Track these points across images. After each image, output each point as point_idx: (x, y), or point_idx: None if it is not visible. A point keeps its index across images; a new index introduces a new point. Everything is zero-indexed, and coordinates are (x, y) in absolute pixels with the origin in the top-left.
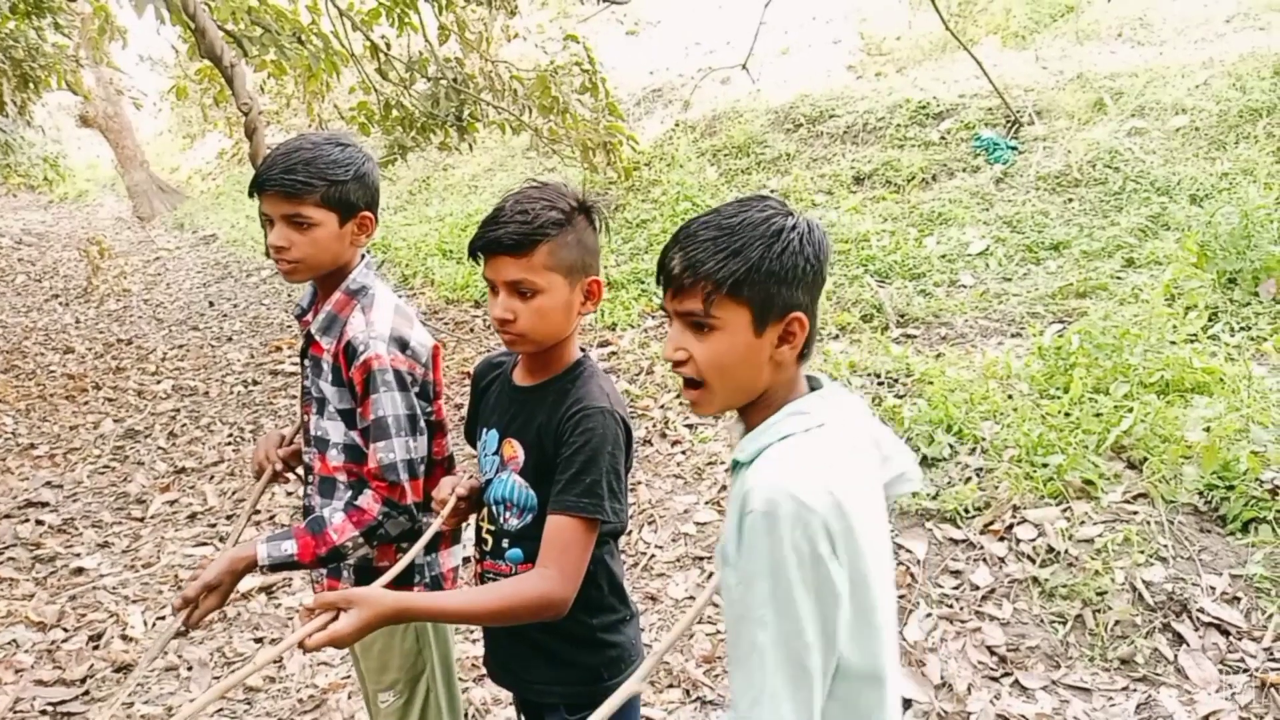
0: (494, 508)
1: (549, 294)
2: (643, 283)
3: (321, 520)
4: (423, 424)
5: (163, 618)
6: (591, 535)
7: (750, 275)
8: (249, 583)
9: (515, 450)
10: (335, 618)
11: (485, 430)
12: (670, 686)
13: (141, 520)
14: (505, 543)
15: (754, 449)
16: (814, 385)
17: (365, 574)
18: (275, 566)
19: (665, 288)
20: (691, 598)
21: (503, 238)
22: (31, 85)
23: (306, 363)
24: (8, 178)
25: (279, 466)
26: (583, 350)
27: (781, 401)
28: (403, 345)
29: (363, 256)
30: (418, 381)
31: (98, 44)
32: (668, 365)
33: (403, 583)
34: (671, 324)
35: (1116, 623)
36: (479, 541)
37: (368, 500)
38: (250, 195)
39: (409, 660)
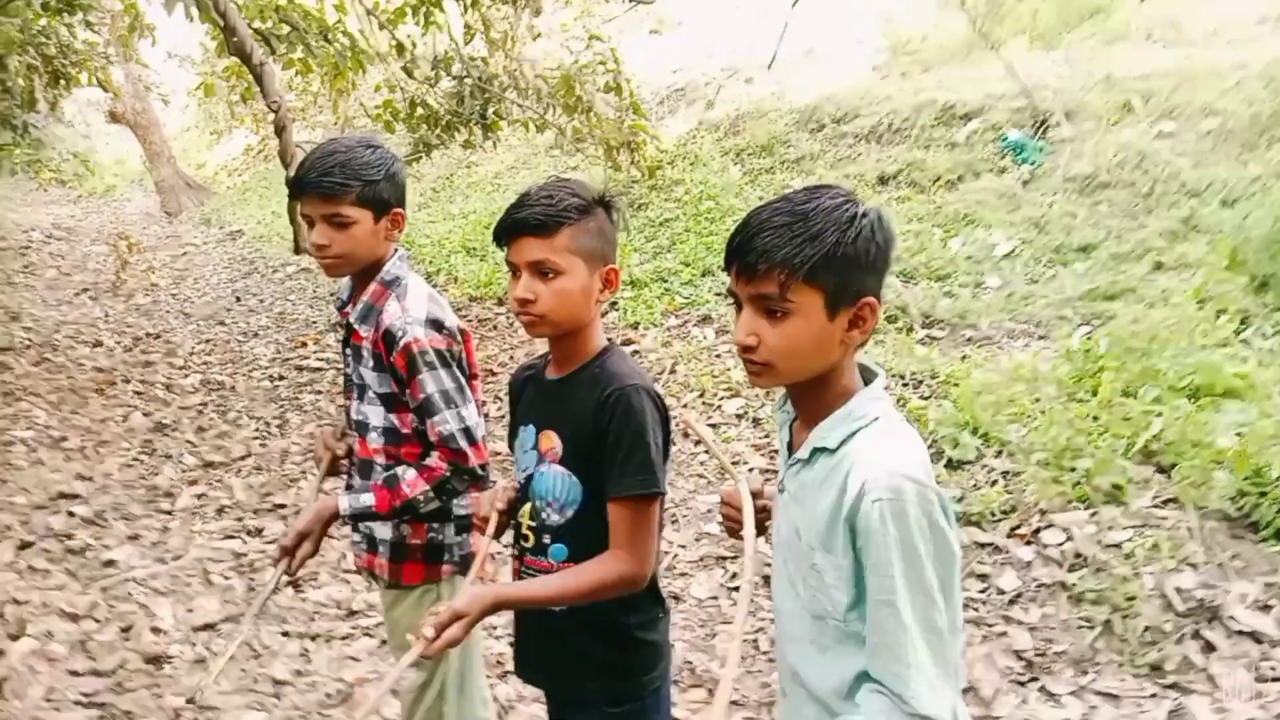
0: (536, 503)
1: (570, 275)
2: (665, 281)
3: (396, 477)
4: (469, 394)
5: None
6: (654, 510)
7: (826, 260)
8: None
9: (552, 441)
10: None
11: (523, 428)
12: (694, 686)
13: (170, 513)
14: (547, 538)
15: (840, 435)
16: (866, 373)
17: (400, 550)
18: (355, 516)
19: (738, 273)
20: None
21: (528, 218)
22: (62, 82)
23: (348, 351)
24: (39, 173)
25: (340, 452)
26: (609, 340)
27: (845, 386)
28: (438, 326)
29: (395, 250)
30: (456, 357)
31: (127, 41)
32: (720, 346)
33: (432, 559)
34: (742, 308)
35: (1146, 629)
36: (519, 538)
37: (434, 459)
38: (290, 198)
39: None
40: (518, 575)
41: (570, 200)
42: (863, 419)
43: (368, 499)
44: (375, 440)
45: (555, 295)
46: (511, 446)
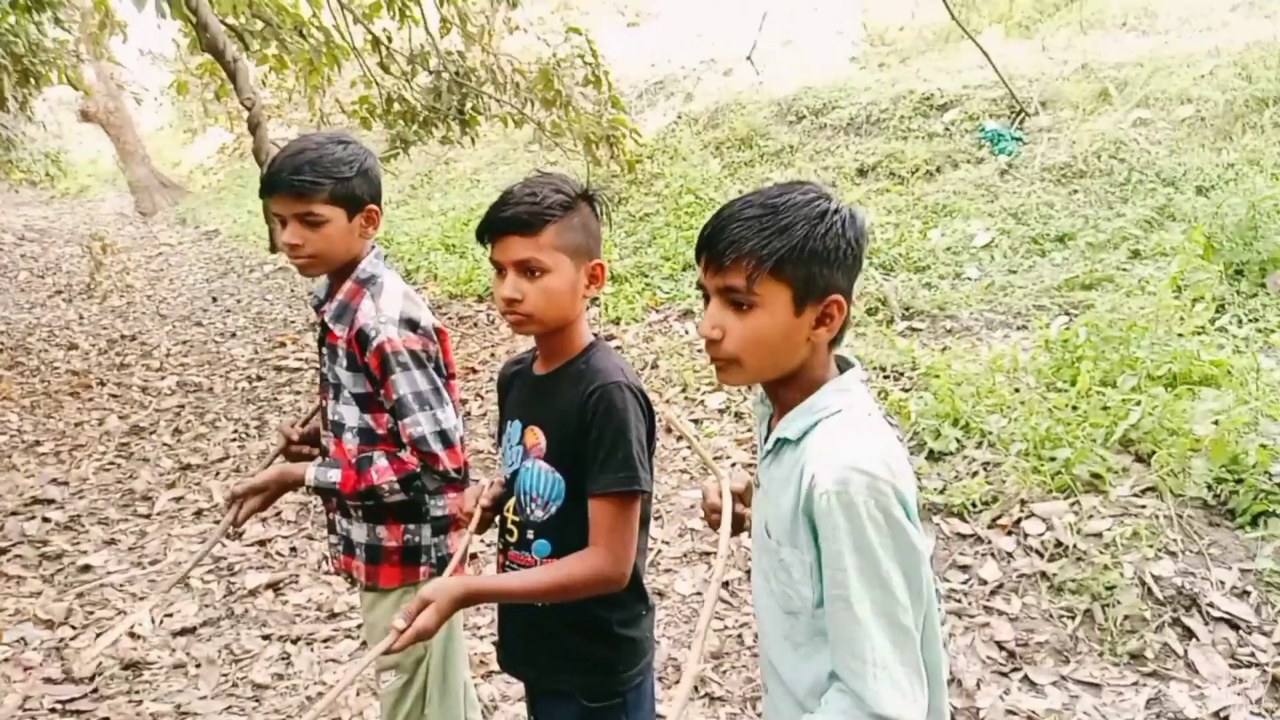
0: (520, 498)
1: (556, 273)
2: (646, 276)
3: (369, 459)
4: (446, 396)
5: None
6: (634, 507)
7: (794, 254)
8: (256, 579)
9: (537, 437)
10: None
11: (509, 423)
12: (678, 683)
13: (148, 517)
14: (530, 534)
15: (802, 426)
16: (842, 364)
17: (376, 552)
18: (318, 489)
19: (706, 264)
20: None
21: (513, 217)
22: (32, 81)
23: (324, 350)
24: (9, 174)
25: (294, 438)
26: (595, 335)
27: (817, 380)
28: (413, 326)
29: (372, 247)
30: (432, 357)
31: (98, 39)
32: (701, 342)
33: (409, 562)
34: (709, 301)
35: (1126, 617)
36: (504, 532)
37: (408, 454)
38: (261, 197)
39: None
40: (501, 569)
41: (555, 197)
42: (824, 410)
43: (334, 475)
44: (350, 441)
45: (542, 294)
46: (500, 441)
